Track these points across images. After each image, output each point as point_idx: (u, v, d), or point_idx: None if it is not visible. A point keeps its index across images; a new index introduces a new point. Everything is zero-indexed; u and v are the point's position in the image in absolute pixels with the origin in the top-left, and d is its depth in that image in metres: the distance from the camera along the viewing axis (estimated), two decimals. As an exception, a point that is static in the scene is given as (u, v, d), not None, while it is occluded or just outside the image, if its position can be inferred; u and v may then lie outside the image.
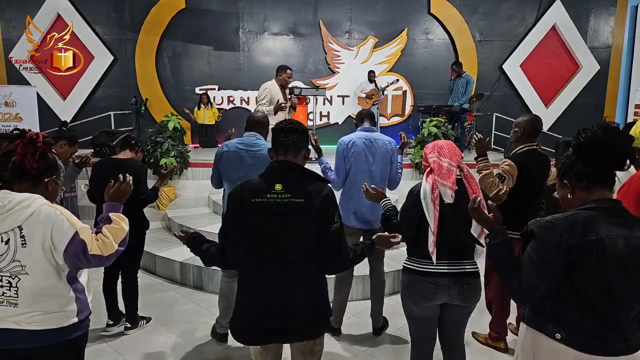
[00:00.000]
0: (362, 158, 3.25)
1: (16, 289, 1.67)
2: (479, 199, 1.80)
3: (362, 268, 4.07)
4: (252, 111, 3.76)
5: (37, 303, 1.69)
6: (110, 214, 1.83)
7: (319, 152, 3.51)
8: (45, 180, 1.77)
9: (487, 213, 1.76)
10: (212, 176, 3.29)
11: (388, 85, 9.71)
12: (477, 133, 3.13)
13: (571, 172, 1.58)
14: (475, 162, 3.08)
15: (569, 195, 1.59)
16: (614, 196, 2.28)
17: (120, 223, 1.82)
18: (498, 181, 2.94)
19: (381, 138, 3.34)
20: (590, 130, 1.55)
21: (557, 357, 1.52)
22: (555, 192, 1.74)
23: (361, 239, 3.23)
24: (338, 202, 3.33)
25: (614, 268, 1.44)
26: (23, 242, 1.65)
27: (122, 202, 1.92)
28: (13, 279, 1.67)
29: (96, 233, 1.76)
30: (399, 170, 3.42)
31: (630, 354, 1.49)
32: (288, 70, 5.22)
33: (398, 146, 3.46)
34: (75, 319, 1.76)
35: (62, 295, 1.73)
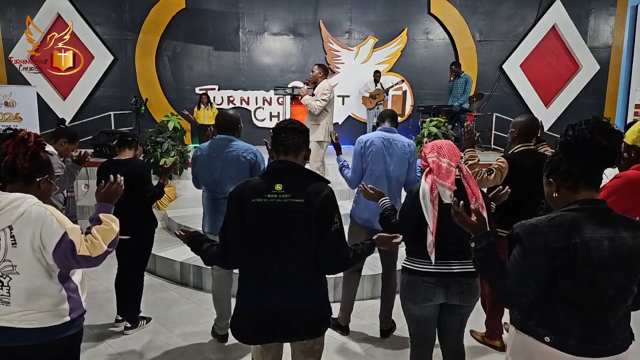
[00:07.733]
0: (380, 158, 3.22)
1: (8, 287, 1.68)
2: (462, 202, 1.75)
3: (363, 268, 4.07)
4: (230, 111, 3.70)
5: (29, 302, 1.69)
6: (101, 215, 1.82)
7: (338, 149, 3.50)
8: (38, 179, 1.76)
9: (471, 218, 1.71)
10: (192, 178, 3.38)
11: (392, 86, 9.71)
12: (469, 123, 3.16)
13: (557, 171, 1.56)
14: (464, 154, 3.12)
15: (554, 194, 1.57)
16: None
17: (111, 224, 1.80)
18: (485, 172, 3.01)
19: (400, 139, 3.29)
20: (577, 129, 1.50)
21: None
22: None
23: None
24: (353, 200, 3.32)
25: (599, 269, 1.44)
26: (13, 242, 1.65)
27: (113, 203, 1.91)
28: (4, 278, 1.68)
29: (86, 234, 1.75)
30: (419, 174, 3.32)
31: (617, 353, 1.49)
32: None
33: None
34: (68, 318, 1.76)
35: (54, 294, 1.73)
